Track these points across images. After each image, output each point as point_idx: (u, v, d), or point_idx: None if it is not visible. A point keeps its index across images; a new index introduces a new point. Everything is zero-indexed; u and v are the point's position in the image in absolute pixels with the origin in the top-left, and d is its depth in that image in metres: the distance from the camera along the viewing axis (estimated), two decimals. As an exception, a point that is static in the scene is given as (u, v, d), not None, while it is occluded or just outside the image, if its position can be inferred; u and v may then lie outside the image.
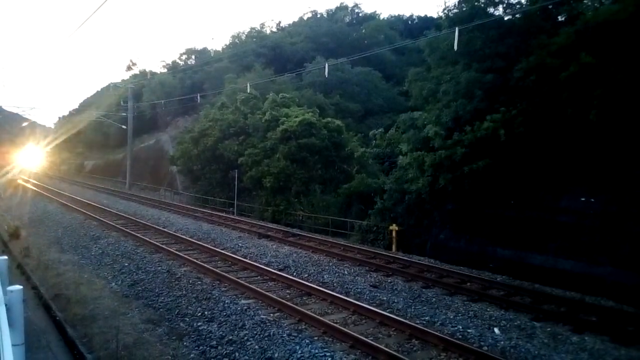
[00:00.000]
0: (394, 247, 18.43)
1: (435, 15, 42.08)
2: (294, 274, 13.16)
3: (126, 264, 13.74)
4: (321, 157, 27.74)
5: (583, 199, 13.87)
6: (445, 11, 18.98)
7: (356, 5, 67.74)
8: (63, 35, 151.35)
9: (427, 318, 9.69)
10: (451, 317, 9.83)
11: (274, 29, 65.44)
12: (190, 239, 17.36)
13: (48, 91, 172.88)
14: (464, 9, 18.20)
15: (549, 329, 9.28)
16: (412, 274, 13.34)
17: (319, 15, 66.93)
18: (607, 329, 9.27)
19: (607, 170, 13.61)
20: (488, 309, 10.47)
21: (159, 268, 13.29)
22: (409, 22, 64.54)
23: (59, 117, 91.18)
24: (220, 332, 8.62)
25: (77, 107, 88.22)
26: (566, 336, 8.97)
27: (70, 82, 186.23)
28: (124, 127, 45.98)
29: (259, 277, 12.69)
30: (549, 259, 14.19)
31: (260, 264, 13.93)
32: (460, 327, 9.17)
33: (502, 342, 8.49)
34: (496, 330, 9.19)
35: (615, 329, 9.22)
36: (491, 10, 18.44)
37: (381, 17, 65.27)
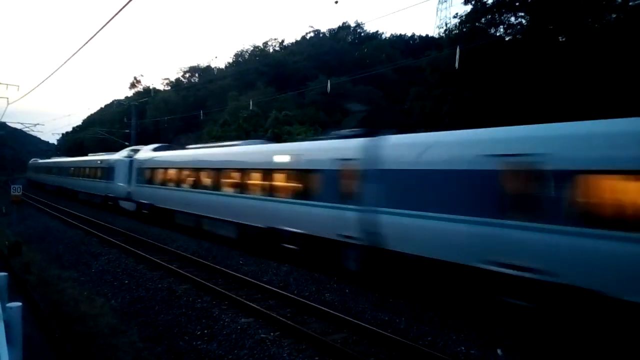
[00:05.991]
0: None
1: (436, 36, 42.55)
2: (295, 292, 13.06)
3: (126, 281, 13.67)
4: (323, 174, 27.74)
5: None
6: (446, 32, 19.26)
7: (358, 25, 68.74)
8: (68, 52, 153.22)
9: (429, 338, 9.60)
10: (454, 337, 9.73)
11: (277, 48, 66.40)
12: (191, 257, 17.29)
13: (51, 108, 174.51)
14: (464, 29, 18.46)
15: (552, 350, 9.17)
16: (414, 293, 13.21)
17: (321, 35, 67.89)
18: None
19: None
20: (490, 329, 10.34)
21: (159, 285, 13.22)
22: (410, 42, 65.30)
23: (62, 134, 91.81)
24: (220, 352, 8.54)
25: (80, 123, 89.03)
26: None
27: (74, 99, 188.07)
28: (127, 144, 46.20)
29: (259, 296, 12.61)
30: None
31: (260, 282, 13.85)
32: (463, 348, 9.08)
33: (505, 364, 8.40)
34: (499, 351, 9.09)
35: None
36: (492, 30, 18.68)
37: (383, 36, 66.13)
